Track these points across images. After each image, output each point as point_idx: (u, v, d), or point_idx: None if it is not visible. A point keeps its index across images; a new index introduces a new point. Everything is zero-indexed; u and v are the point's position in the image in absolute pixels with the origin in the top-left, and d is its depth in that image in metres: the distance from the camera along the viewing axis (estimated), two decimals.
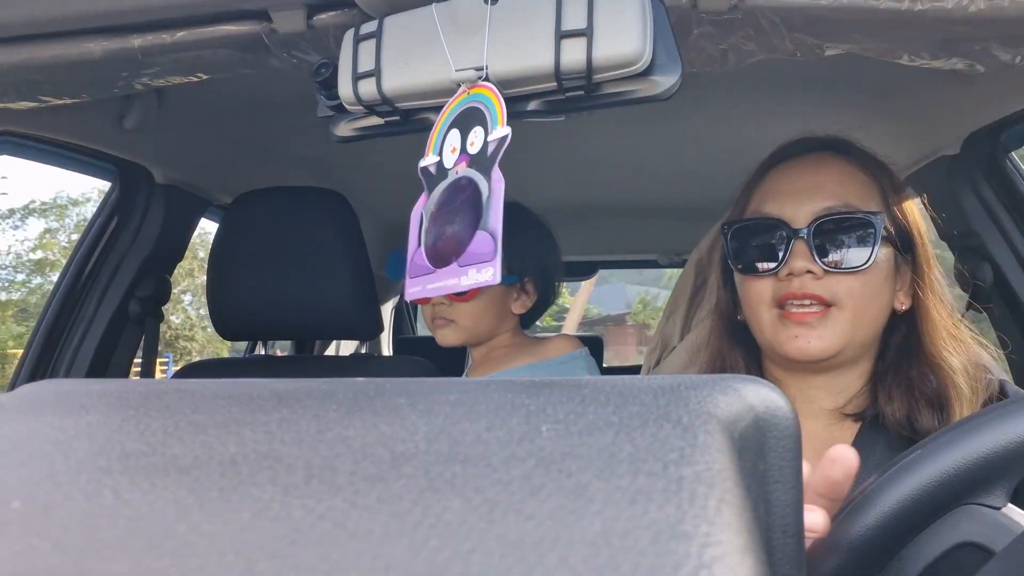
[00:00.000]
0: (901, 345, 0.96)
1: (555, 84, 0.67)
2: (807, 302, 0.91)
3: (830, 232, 0.93)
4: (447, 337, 1.37)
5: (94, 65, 0.87)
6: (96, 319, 1.61)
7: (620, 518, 0.23)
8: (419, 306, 1.38)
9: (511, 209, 1.37)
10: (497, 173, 0.64)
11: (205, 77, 0.92)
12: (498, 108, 0.65)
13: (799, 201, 0.95)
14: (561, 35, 0.64)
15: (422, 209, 0.70)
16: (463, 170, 0.67)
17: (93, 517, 0.25)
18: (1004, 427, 0.47)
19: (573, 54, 0.64)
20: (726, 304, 1.06)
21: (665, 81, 0.65)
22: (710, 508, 0.24)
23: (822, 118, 1.49)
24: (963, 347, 0.96)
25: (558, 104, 0.69)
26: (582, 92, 0.67)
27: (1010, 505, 0.50)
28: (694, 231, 1.55)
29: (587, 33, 0.63)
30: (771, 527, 0.34)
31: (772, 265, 0.94)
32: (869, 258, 0.91)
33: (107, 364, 1.63)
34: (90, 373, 1.58)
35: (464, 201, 0.66)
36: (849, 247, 0.92)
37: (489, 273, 0.63)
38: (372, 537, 0.23)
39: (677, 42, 0.65)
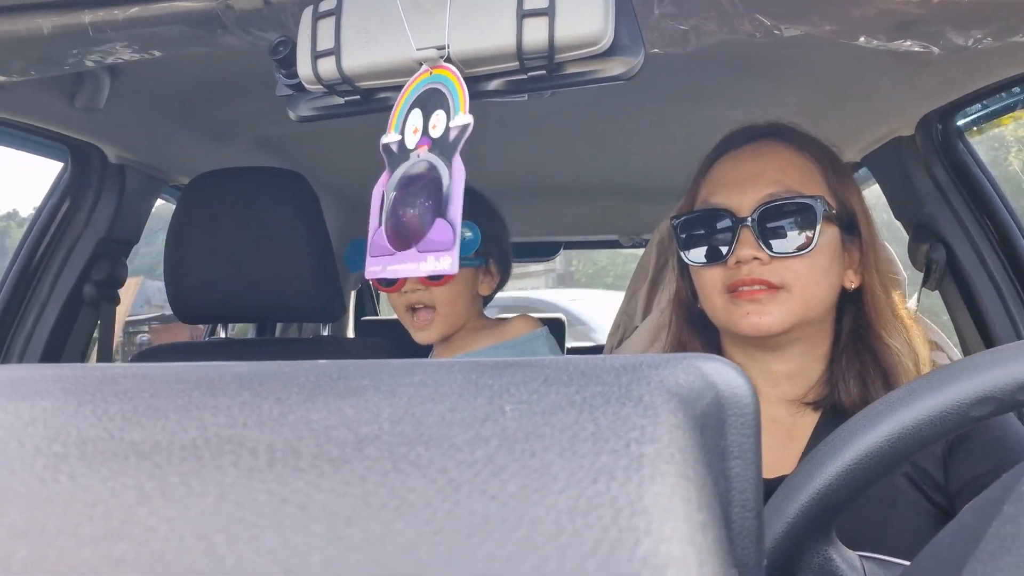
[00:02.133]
0: (852, 327, 0.99)
1: (517, 64, 0.66)
2: (756, 286, 0.94)
3: (773, 218, 0.95)
4: (429, 336, 1.34)
5: (43, 42, 0.85)
6: (50, 303, 1.57)
7: (583, 496, 0.24)
8: (382, 293, 1.35)
9: (467, 194, 1.36)
10: (458, 162, 0.64)
11: (159, 55, 0.90)
12: (460, 94, 0.65)
13: (742, 190, 0.97)
14: (523, 14, 0.64)
15: (383, 187, 0.70)
16: (424, 153, 0.66)
17: (50, 504, 0.25)
18: (929, 399, 0.48)
19: (535, 34, 0.64)
20: (684, 292, 1.08)
21: (627, 62, 0.65)
22: (671, 485, 0.25)
23: (781, 99, 1.51)
24: (907, 326, 0.99)
25: (520, 84, 0.69)
26: (544, 72, 0.67)
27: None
28: (656, 212, 1.56)
29: (549, 12, 0.63)
30: (731, 502, 0.35)
31: (721, 254, 0.97)
32: (812, 241, 0.94)
33: (62, 349, 1.59)
34: (44, 358, 1.55)
35: (425, 186, 0.66)
36: (792, 231, 0.94)
37: (447, 262, 0.63)
38: (336, 519, 0.23)
39: (639, 23, 0.65)
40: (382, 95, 0.74)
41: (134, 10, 0.81)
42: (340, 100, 0.75)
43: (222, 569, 0.21)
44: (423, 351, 1.57)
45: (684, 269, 1.07)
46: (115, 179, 1.60)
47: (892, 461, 0.46)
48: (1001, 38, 0.83)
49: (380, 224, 0.69)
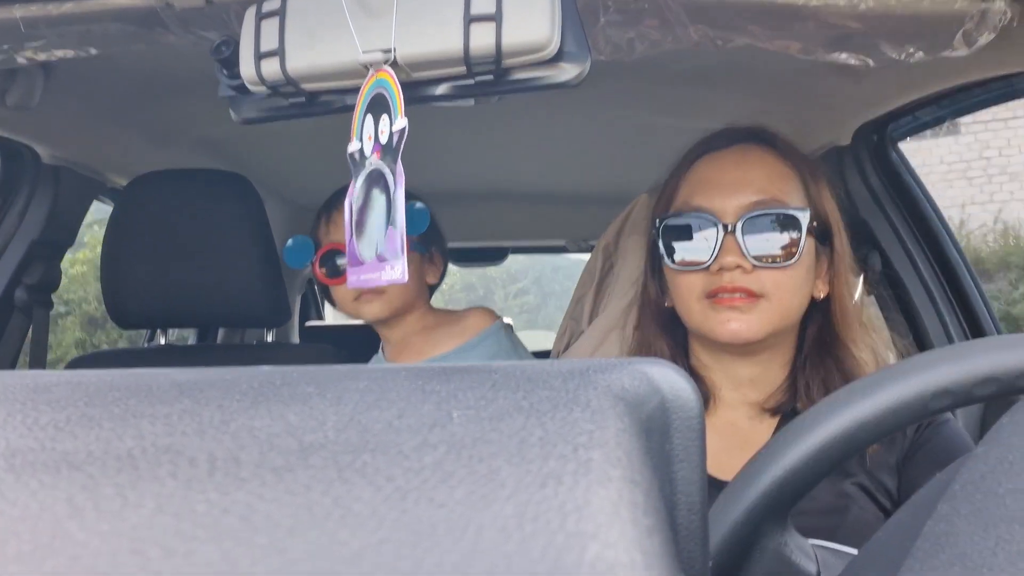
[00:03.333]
0: (817, 336, 1.00)
1: (464, 68, 0.66)
2: (737, 294, 0.94)
3: (758, 227, 0.95)
4: (375, 310, 1.34)
5: None
6: None
7: (531, 502, 0.24)
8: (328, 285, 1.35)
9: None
10: (399, 167, 0.64)
11: (96, 52, 0.87)
12: (397, 96, 0.65)
13: (727, 194, 0.97)
14: (470, 19, 0.64)
15: (351, 197, 0.69)
16: (375, 160, 0.66)
17: None
18: (884, 393, 0.49)
19: (482, 39, 0.64)
20: (654, 291, 1.07)
21: (573, 68, 0.66)
22: (618, 489, 0.25)
23: (721, 107, 1.54)
24: (872, 337, 1.01)
25: (467, 88, 0.69)
26: (491, 77, 0.67)
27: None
28: (602, 217, 1.58)
29: (496, 18, 0.63)
30: (676, 505, 0.35)
31: (703, 259, 0.95)
32: (797, 253, 0.94)
33: None
34: None
35: (377, 194, 0.66)
36: (777, 243, 0.94)
37: (399, 271, 0.63)
38: (279, 530, 0.23)
39: (585, 30, 0.66)
40: (327, 97, 0.73)
41: (68, 5, 0.79)
42: (284, 102, 0.75)
43: None
44: (368, 357, 1.55)
45: (656, 269, 1.06)
46: (49, 180, 1.55)
47: (852, 447, 0.47)
48: (932, 53, 0.87)
49: (351, 235, 0.69)
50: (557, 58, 0.66)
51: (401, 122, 0.64)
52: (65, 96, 1.36)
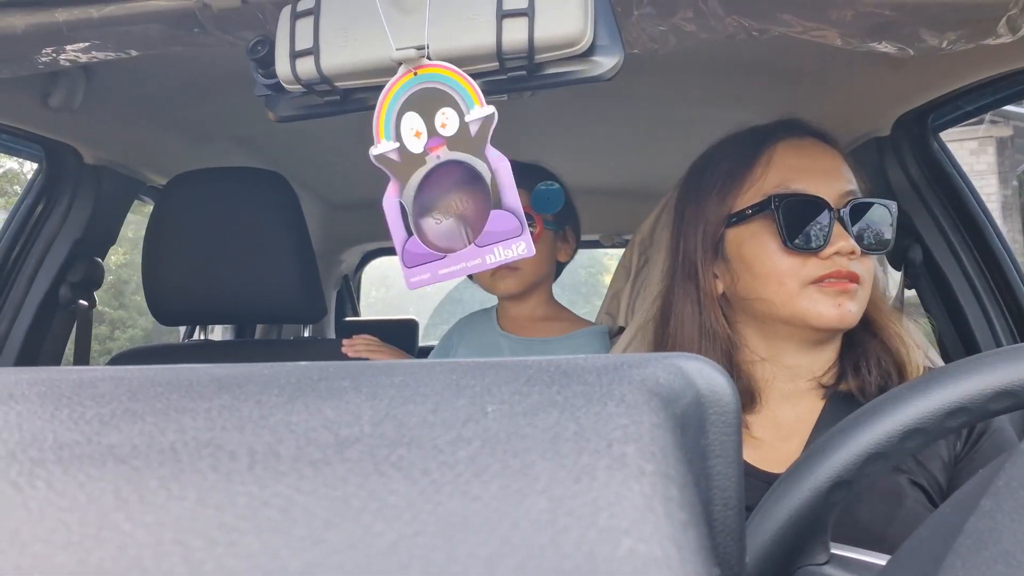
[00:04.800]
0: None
1: (497, 64, 0.66)
2: (846, 279, 0.94)
3: (860, 214, 0.97)
4: (510, 285, 1.40)
5: (16, 40, 0.84)
6: (24, 305, 1.55)
7: (564, 496, 0.24)
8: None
9: (538, 169, 1.37)
10: (494, 153, 0.64)
11: (135, 54, 0.89)
12: (470, 89, 0.65)
13: (827, 180, 0.98)
14: (503, 14, 0.64)
15: (397, 198, 0.69)
16: (444, 153, 0.67)
17: (25, 510, 0.25)
18: (792, 492, 0.49)
19: (514, 34, 0.64)
20: (710, 279, 1.03)
21: (606, 62, 0.66)
22: (653, 484, 0.25)
23: (759, 99, 1.52)
24: (899, 318, 1.02)
25: (500, 84, 0.69)
26: (524, 72, 0.67)
27: (834, 553, 0.52)
28: (636, 211, 1.57)
29: (528, 13, 0.63)
30: (712, 501, 0.35)
31: (816, 243, 0.94)
32: (891, 241, 0.98)
33: (37, 352, 1.57)
34: (19, 362, 1.53)
35: (457, 183, 0.66)
36: (876, 230, 0.97)
37: (522, 247, 0.65)
38: (317, 522, 0.23)
39: (618, 23, 0.66)
40: (362, 95, 0.74)
41: (109, 9, 0.80)
42: (319, 100, 0.75)
43: (200, 574, 0.21)
44: (407, 351, 1.57)
45: (714, 255, 1.03)
46: (91, 180, 1.58)
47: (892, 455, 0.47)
48: (973, 40, 0.85)
49: (410, 234, 0.69)
50: (590, 52, 0.65)
51: (482, 111, 0.64)
52: (106, 97, 1.38)
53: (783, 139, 1.01)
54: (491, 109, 0.64)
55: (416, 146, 0.67)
